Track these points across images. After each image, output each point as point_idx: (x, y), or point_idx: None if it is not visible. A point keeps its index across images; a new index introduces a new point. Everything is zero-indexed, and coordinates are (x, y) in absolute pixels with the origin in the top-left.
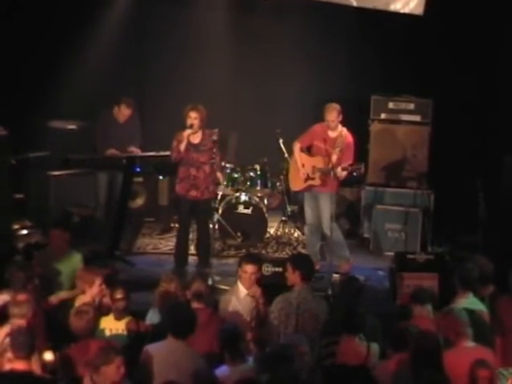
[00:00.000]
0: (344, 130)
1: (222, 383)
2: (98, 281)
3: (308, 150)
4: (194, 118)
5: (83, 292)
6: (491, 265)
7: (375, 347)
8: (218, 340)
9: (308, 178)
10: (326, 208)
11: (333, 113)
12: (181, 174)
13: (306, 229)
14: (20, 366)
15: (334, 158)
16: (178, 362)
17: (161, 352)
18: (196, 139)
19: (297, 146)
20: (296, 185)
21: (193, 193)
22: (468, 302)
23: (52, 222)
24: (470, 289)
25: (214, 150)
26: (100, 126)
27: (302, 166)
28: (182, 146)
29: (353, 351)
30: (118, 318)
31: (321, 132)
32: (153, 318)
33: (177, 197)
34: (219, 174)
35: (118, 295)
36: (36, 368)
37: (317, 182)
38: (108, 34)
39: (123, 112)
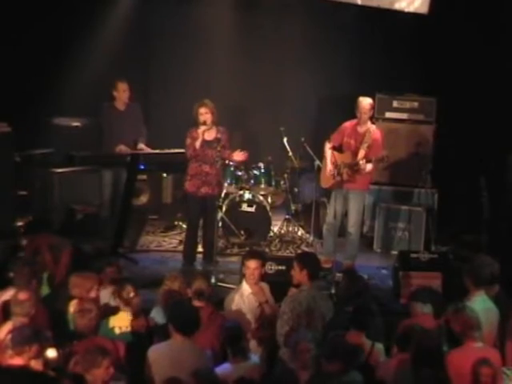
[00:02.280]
0: (372, 126)
1: (223, 381)
2: (95, 286)
3: (340, 148)
4: (205, 113)
5: (81, 298)
6: (497, 264)
7: (380, 347)
8: (221, 338)
9: (336, 174)
10: (356, 206)
11: (365, 106)
12: (192, 170)
13: (324, 227)
14: (18, 361)
15: (362, 152)
16: (186, 360)
17: (167, 351)
18: (210, 136)
19: (327, 145)
20: (325, 182)
21: (204, 189)
22: (481, 299)
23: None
24: (483, 287)
25: (219, 148)
26: (102, 118)
27: (332, 163)
28: (198, 144)
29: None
30: (136, 315)
31: (349, 128)
32: (156, 316)
33: (186, 194)
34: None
35: (131, 294)
36: (37, 364)
37: (344, 177)
38: (112, 31)
39: (121, 88)
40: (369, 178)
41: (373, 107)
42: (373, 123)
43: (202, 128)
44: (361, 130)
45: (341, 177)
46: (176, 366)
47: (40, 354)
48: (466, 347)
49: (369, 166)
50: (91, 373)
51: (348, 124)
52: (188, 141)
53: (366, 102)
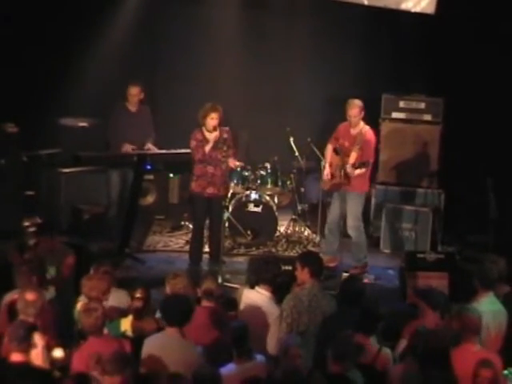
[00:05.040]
0: (365, 128)
1: (228, 381)
2: (110, 288)
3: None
4: (215, 118)
5: (91, 299)
6: (505, 263)
7: (387, 351)
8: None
9: (333, 177)
10: (353, 208)
11: (354, 109)
12: (198, 171)
13: (326, 227)
14: (16, 357)
15: (354, 155)
16: (174, 353)
17: (158, 343)
18: (214, 137)
19: (328, 147)
20: (324, 184)
21: (210, 190)
22: (489, 301)
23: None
24: (491, 288)
25: (225, 148)
26: (113, 118)
27: (329, 166)
28: (208, 148)
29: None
30: (137, 317)
31: (343, 130)
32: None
33: (192, 194)
34: (235, 162)
35: (137, 294)
36: (42, 364)
37: (337, 180)
38: (119, 32)
39: (131, 92)
40: (366, 179)
41: (362, 109)
42: (366, 124)
43: (214, 134)
44: (353, 132)
45: (335, 179)
46: (164, 357)
47: (46, 354)
48: (465, 348)
49: (357, 171)
50: (107, 377)
51: (342, 126)
52: (193, 143)
53: (352, 105)
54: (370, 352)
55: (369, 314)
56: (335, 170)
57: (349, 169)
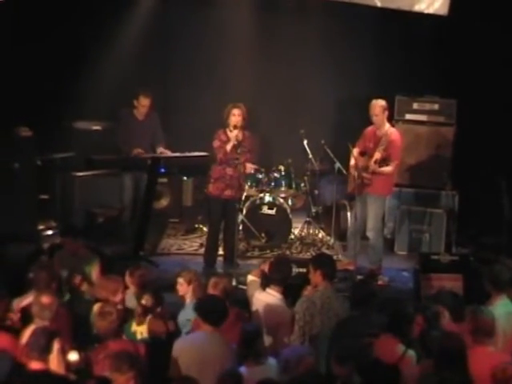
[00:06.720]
0: (391, 129)
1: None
2: (121, 288)
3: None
4: (237, 115)
5: (106, 300)
6: None
7: (411, 354)
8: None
9: (357, 178)
10: (373, 210)
11: (376, 108)
12: (216, 173)
13: (348, 230)
14: (36, 365)
15: (377, 155)
16: (213, 351)
17: (195, 342)
18: (237, 139)
19: (354, 150)
20: (349, 186)
21: (228, 192)
22: (503, 303)
23: (61, 230)
24: (504, 291)
25: (238, 151)
26: (120, 124)
27: (354, 168)
28: (229, 147)
29: (390, 350)
30: (139, 322)
31: (370, 132)
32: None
33: (208, 197)
34: (250, 166)
35: (143, 301)
36: (58, 368)
37: (358, 181)
38: (132, 34)
39: (142, 103)
40: (388, 182)
41: (385, 109)
42: (392, 126)
43: (235, 132)
44: (379, 133)
45: (361, 180)
46: (203, 357)
47: (61, 358)
48: (477, 351)
49: (379, 169)
50: (113, 376)
51: (369, 128)
52: (217, 143)
53: (374, 104)
54: (396, 353)
55: (402, 316)
56: (360, 171)
57: (372, 166)
